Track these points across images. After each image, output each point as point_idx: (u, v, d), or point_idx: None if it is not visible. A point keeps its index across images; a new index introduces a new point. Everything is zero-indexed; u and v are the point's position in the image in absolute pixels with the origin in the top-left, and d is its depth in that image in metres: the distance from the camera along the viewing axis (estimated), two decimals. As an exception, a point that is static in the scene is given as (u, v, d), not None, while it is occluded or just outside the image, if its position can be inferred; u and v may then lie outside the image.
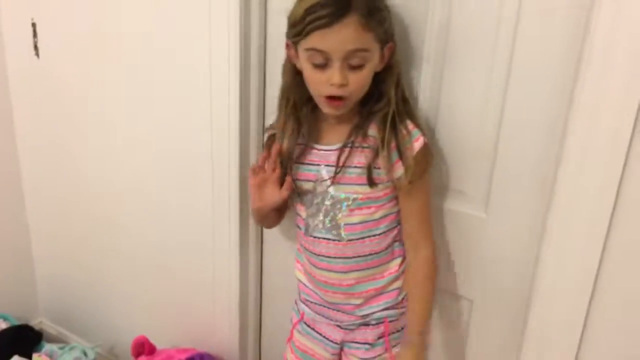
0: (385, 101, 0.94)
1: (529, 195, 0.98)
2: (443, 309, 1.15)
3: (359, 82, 0.91)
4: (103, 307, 1.73)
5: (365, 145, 0.96)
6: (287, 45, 0.96)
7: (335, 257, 1.02)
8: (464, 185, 1.05)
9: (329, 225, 1.01)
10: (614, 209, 0.85)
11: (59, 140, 1.60)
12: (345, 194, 0.98)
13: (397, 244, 1.04)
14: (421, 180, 0.97)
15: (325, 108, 0.95)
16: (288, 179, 1.03)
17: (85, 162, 1.57)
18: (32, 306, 1.89)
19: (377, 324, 1.06)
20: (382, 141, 0.94)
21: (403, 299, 1.05)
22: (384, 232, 1.01)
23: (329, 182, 0.99)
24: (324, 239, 1.02)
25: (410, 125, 0.95)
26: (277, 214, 1.12)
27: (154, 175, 1.41)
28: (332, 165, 0.98)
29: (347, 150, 0.97)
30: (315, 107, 1.00)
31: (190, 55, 1.23)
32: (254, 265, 1.37)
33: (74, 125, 1.55)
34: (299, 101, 1.00)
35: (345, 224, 0.99)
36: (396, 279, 1.04)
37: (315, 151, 1.01)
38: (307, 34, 0.87)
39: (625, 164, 0.83)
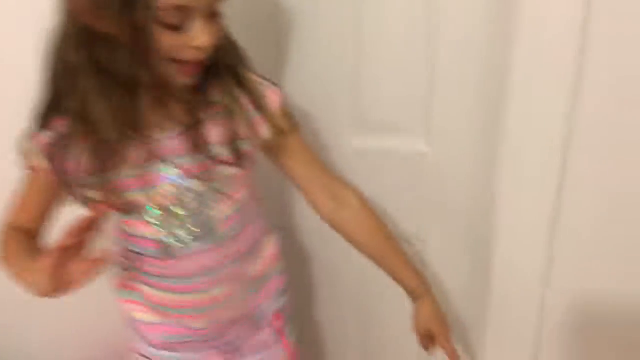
0: (216, 53, 0.71)
1: (475, 120, 0.86)
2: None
3: (219, 36, 0.70)
4: None
5: (213, 115, 0.75)
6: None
7: (215, 269, 0.81)
8: (399, 118, 0.91)
9: (200, 231, 0.78)
10: (570, 125, 0.75)
11: None
12: (211, 183, 0.77)
13: (262, 220, 0.89)
14: (297, 134, 0.84)
15: (180, 77, 0.70)
16: (99, 252, 0.67)
17: None
18: None
19: (270, 320, 0.92)
20: (232, 98, 0.75)
21: (278, 276, 0.93)
22: (256, 210, 0.87)
23: (184, 178, 0.75)
24: (196, 252, 0.79)
25: (253, 76, 0.79)
26: None
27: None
28: (181, 155, 0.74)
29: (196, 128, 0.74)
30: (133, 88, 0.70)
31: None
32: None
33: None
34: (123, 78, 0.66)
35: (220, 221, 0.79)
36: (277, 258, 0.92)
37: (149, 145, 0.73)
38: None
39: (579, 75, 0.72)
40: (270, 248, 0.90)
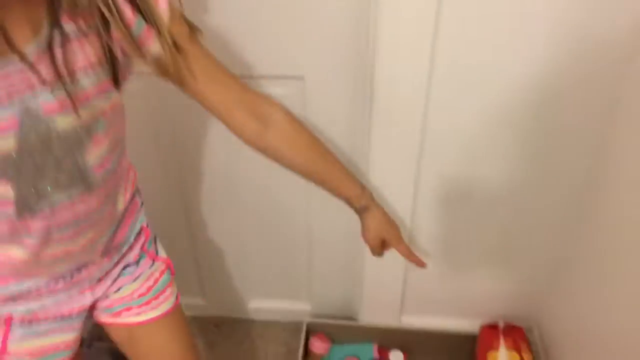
0: None
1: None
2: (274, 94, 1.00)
3: None
4: None
5: (80, 30, 0.56)
6: None
7: (82, 220, 0.66)
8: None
9: (67, 181, 0.62)
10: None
11: None
12: (84, 118, 0.59)
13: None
14: (198, 46, 0.68)
15: None
16: None
17: None
18: None
19: (135, 240, 0.81)
20: (103, 4, 0.54)
21: (137, 194, 0.82)
22: (123, 141, 0.72)
23: (43, 115, 0.56)
24: (63, 205, 0.63)
25: None
26: None
27: None
28: (38, 87, 0.55)
29: (58, 49, 0.54)
30: None
31: None
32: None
33: None
34: None
35: (93, 165, 0.63)
36: (135, 178, 0.81)
37: None
38: None
39: None
40: (132, 175, 0.79)
